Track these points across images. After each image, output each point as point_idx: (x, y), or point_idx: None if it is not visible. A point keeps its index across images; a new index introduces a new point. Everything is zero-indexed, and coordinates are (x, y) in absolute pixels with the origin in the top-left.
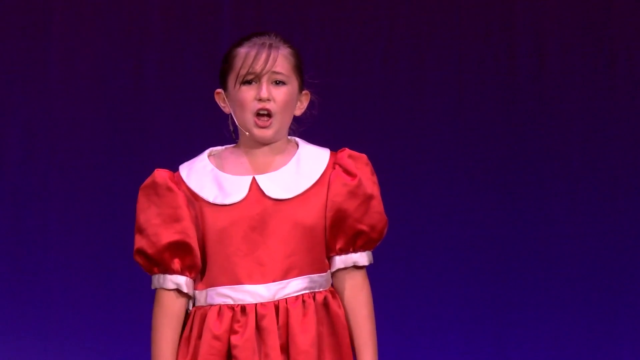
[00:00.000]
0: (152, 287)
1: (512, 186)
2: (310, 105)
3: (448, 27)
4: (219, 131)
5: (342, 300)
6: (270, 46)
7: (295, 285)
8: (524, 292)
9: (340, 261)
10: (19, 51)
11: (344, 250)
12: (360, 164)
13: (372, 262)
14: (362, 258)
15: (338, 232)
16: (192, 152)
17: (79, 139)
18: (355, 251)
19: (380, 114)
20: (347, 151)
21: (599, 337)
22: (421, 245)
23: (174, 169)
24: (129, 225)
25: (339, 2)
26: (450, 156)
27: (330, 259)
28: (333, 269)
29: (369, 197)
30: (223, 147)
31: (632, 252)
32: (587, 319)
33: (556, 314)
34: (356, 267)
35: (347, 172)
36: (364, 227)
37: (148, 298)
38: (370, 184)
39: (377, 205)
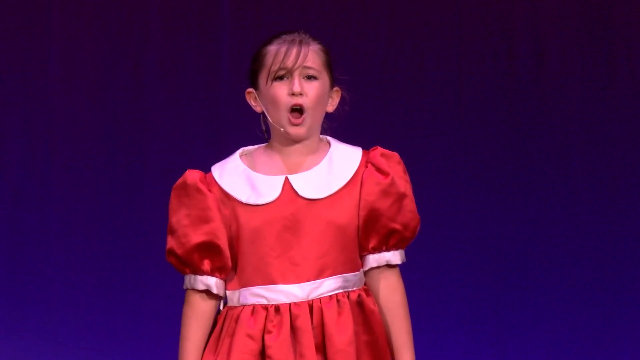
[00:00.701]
0: (184, 288)
1: (512, 186)
2: (342, 101)
3: (448, 27)
4: (219, 131)
5: (377, 300)
6: (301, 42)
7: (328, 285)
8: (524, 292)
9: (373, 260)
10: (19, 51)
11: (377, 249)
12: (392, 163)
13: (405, 260)
14: (394, 257)
15: (371, 231)
16: (192, 152)
17: (79, 139)
18: (388, 250)
19: (380, 114)
20: (379, 150)
21: (599, 337)
22: (421, 245)
23: (174, 168)
24: (129, 225)
25: (339, 2)
26: (450, 156)
27: (362, 257)
28: (366, 268)
29: (402, 196)
30: (255, 147)
31: (632, 252)
32: (587, 319)
33: (556, 314)
34: (389, 266)
35: (380, 171)
36: (396, 226)
37: (148, 298)
38: (402, 182)
39: (410, 203)
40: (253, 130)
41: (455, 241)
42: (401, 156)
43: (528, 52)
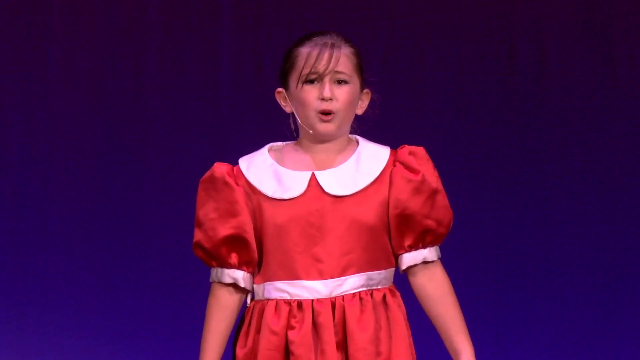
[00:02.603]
0: (210, 280)
1: (512, 186)
2: (372, 104)
3: (448, 27)
4: (219, 131)
5: (423, 294)
6: (333, 45)
7: (352, 283)
8: (524, 292)
9: (410, 258)
10: (19, 51)
11: (414, 247)
12: (421, 160)
13: (440, 256)
14: (431, 253)
15: (406, 230)
16: (192, 152)
17: (79, 138)
18: (424, 247)
19: (379, 113)
20: (407, 147)
21: (599, 337)
22: None
23: (174, 168)
24: (129, 224)
25: (339, 2)
26: (450, 156)
27: (398, 256)
28: (404, 267)
29: (434, 192)
30: (283, 143)
31: (632, 252)
32: (587, 319)
33: (556, 314)
34: (426, 262)
35: (410, 169)
36: (431, 223)
37: (148, 298)
38: (434, 178)
39: (442, 199)
40: (253, 130)
41: (455, 241)
42: (427, 152)
43: (528, 52)
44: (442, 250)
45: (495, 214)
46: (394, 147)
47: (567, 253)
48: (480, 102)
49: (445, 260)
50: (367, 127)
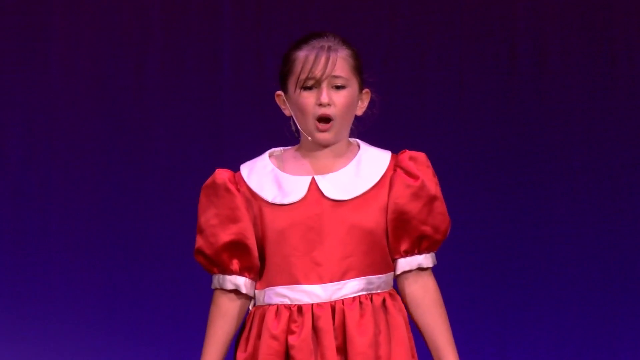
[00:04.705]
0: (212, 287)
1: (512, 186)
2: (371, 104)
3: (449, 26)
4: (220, 131)
5: (412, 302)
6: (329, 49)
7: (352, 287)
8: (525, 292)
9: (405, 263)
10: (19, 51)
11: (409, 252)
12: (421, 166)
13: (436, 263)
14: (426, 260)
15: (403, 235)
16: (192, 152)
17: (79, 138)
18: (420, 253)
19: (381, 114)
20: (408, 152)
21: (599, 337)
22: None
23: (175, 168)
24: (130, 224)
25: (340, 2)
26: (451, 156)
27: (394, 261)
28: (398, 272)
29: (433, 198)
30: (283, 149)
31: (632, 252)
32: (587, 319)
33: (557, 314)
34: (421, 268)
35: (409, 174)
36: (428, 229)
37: (149, 298)
38: (433, 185)
39: (440, 206)
40: (254, 130)
41: (456, 241)
42: (428, 158)
43: (529, 52)
44: (442, 250)
45: (495, 214)
46: (394, 148)
47: (567, 253)
48: (481, 102)
49: (446, 260)
50: (366, 127)
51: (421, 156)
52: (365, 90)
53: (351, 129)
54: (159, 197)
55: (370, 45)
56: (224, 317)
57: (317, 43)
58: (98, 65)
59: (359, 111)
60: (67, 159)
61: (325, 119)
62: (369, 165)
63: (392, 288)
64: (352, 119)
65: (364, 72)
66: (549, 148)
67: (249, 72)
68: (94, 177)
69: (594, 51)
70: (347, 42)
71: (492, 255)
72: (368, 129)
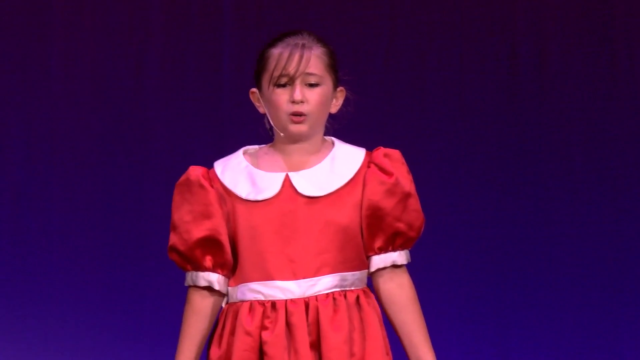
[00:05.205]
0: (185, 285)
1: (513, 186)
2: (346, 102)
3: (449, 27)
4: (220, 131)
5: (387, 299)
6: (303, 46)
7: (325, 283)
8: (525, 292)
9: (379, 260)
10: (19, 51)
11: (383, 250)
12: (396, 163)
13: (410, 261)
14: (400, 257)
15: (377, 231)
16: (193, 152)
17: (79, 139)
18: (394, 250)
19: (381, 114)
20: (382, 149)
21: (599, 337)
22: (422, 245)
23: (175, 168)
24: (130, 224)
25: (340, 2)
26: (451, 156)
27: (368, 258)
28: (372, 269)
29: (407, 195)
30: (258, 146)
31: (632, 252)
32: (587, 319)
33: (557, 314)
34: (395, 266)
35: (384, 171)
36: (402, 226)
37: (149, 298)
38: (407, 182)
39: (415, 203)
40: (254, 130)
41: (456, 241)
42: (402, 155)
43: (530, 52)
44: (442, 249)
45: (495, 214)
46: (394, 148)
47: (568, 253)
48: (481, 102)
49: (446, 259)
50: (342, 125)
51: (395, 153)
52: (340, 88)
53: (326, 127)
54: (159, 197)
55: (370, 45)
56: (197, 315)
57: (291, 40)
58: (98, 65)
59: (334, 109)
60: (67, 159)
61: (298, 115)
62: (343, 161)
63: (366, 286)
64: (326, 116)
65: (338, 71)
66: (550, 148)
67: (250, 73)
68: (94, 177)
69: (594, 51)
70: (322, 40)
71: (492, 255)
72: (368, 129)
